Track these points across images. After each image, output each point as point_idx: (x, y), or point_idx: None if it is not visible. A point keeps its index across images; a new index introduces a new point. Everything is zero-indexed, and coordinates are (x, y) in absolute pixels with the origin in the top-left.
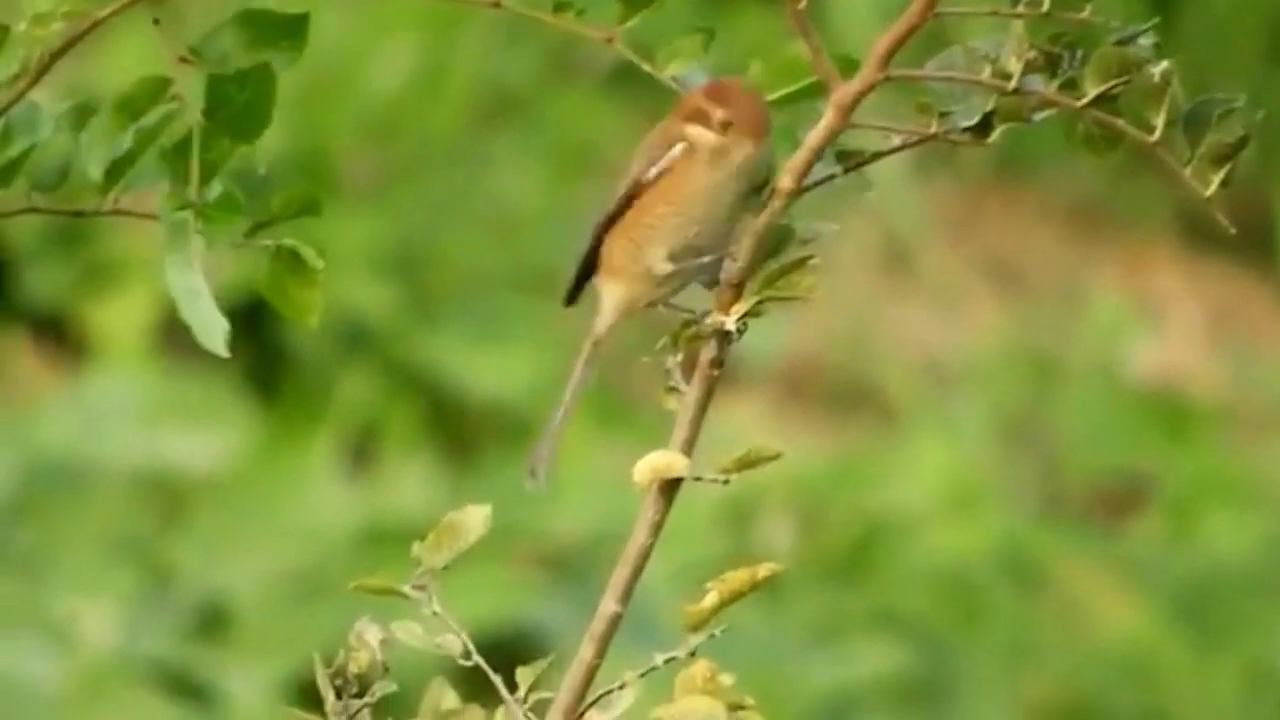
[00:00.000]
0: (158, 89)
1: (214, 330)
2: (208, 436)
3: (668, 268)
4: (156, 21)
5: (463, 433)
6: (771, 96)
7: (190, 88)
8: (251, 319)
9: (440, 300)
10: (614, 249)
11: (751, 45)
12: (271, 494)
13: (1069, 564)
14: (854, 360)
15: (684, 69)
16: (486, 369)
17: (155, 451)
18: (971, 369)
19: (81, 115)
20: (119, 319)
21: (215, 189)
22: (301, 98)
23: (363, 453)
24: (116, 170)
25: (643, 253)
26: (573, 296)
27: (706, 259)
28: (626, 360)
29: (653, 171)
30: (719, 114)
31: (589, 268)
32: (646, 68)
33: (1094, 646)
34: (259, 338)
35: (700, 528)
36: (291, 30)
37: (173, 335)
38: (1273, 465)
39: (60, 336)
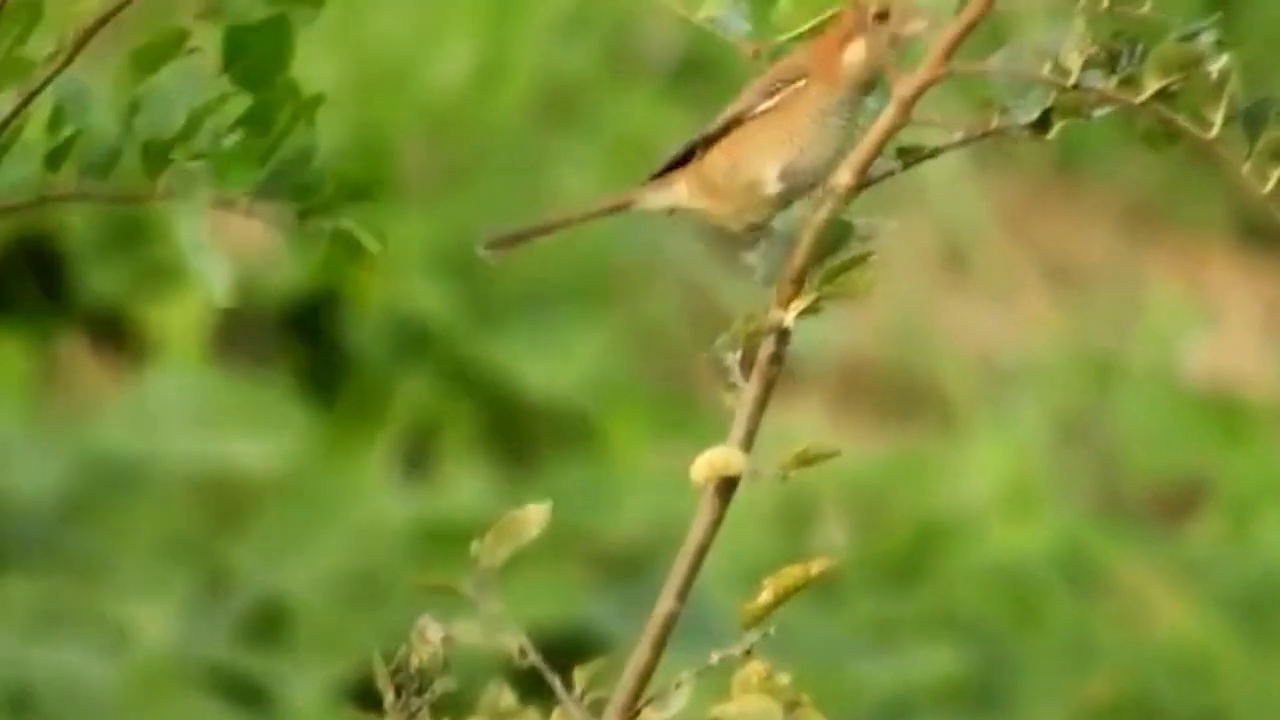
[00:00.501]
0: (176, 39)
1: (218, 279)
2: (265, 439)
3: (776, 186)
4: None
5: (521, 435)
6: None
7: (209, 41)
8: (309, 321)
9: (499, 301)
10: (714, 164)
11: None
12: (329, 496)
13: (1126, 565)
14: (910, 358)
15: (718, 8)
16: (545, 370)
17: (213, 453)
18: (1028, 368)
19: (134, 102)
20: (177, 320)
21: (230, 138)
22: (360, 93)
23: (421, 455)
24: (162, 153)
25: (741, 170)
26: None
27: (809, 183)
28: (684, 359)
29: (764, 105)
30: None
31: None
32: (681, 11)
33: (1151, 648)
34: (317, 339)
35: (757, 528)
36: None
37: (231, 337)
38: None
39: (118, 337)
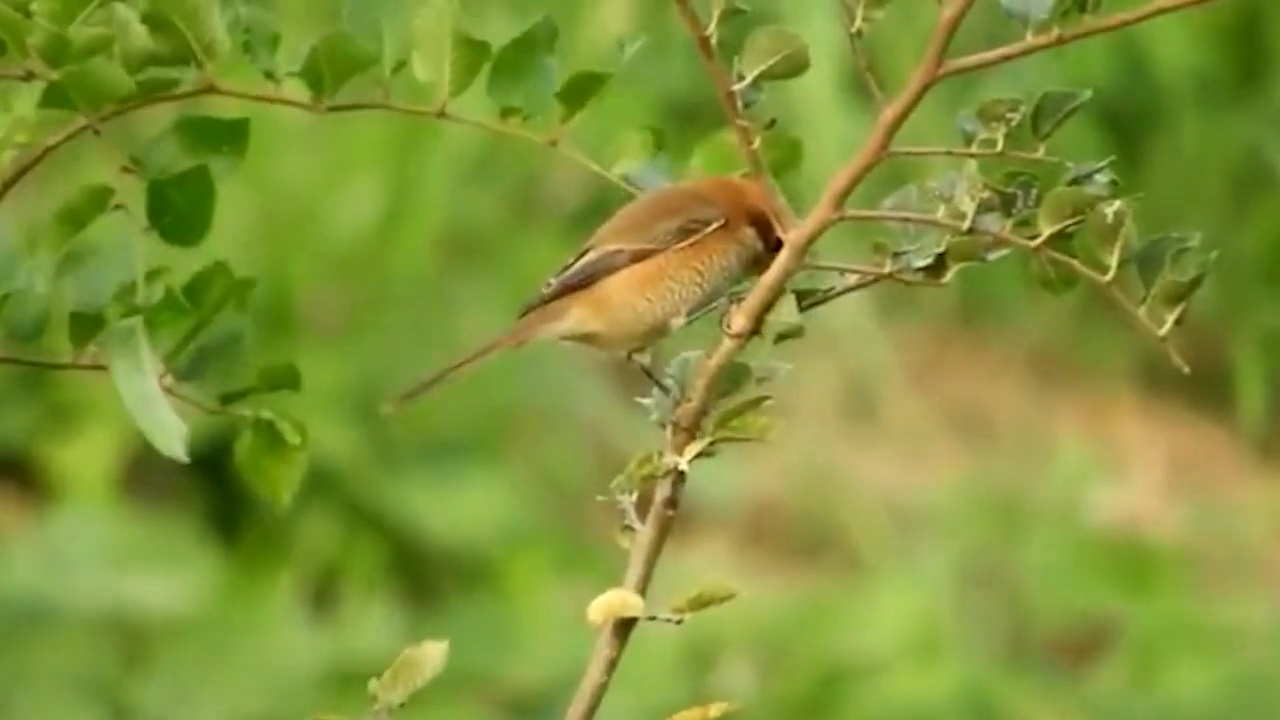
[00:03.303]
0: (100, 198)
1: (171, 434)
2: (171, 578)
3: (662, 323)
4: (97, 132)
5: (424, 576)
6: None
7: (134, 198)
8: (215, 460)
9: (402, 444)
10: (620, 297)
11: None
12: (234, 636)
13: (1032, 709)
14: (817, 503)
15: (633, 167)
16: (447, 512)
17: (119, 593)
18: (935, 514)
19: (66, 263)
20: (82, 461)
21: (158, 292)
22: (264, 237)
23: (325, 595)
24: (91, 325)
25: (653, 309)
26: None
27: (685, 321)
28: (585, 503)
29: (682, 243)
30: (711, 215)
31: (558, 296)
32: (595, 167)
33: None
34: (222, 479)
35: (661, 670)
36: (231, 134)
37: (136, 478)
38: (1234, 611)
39: (24, 478)
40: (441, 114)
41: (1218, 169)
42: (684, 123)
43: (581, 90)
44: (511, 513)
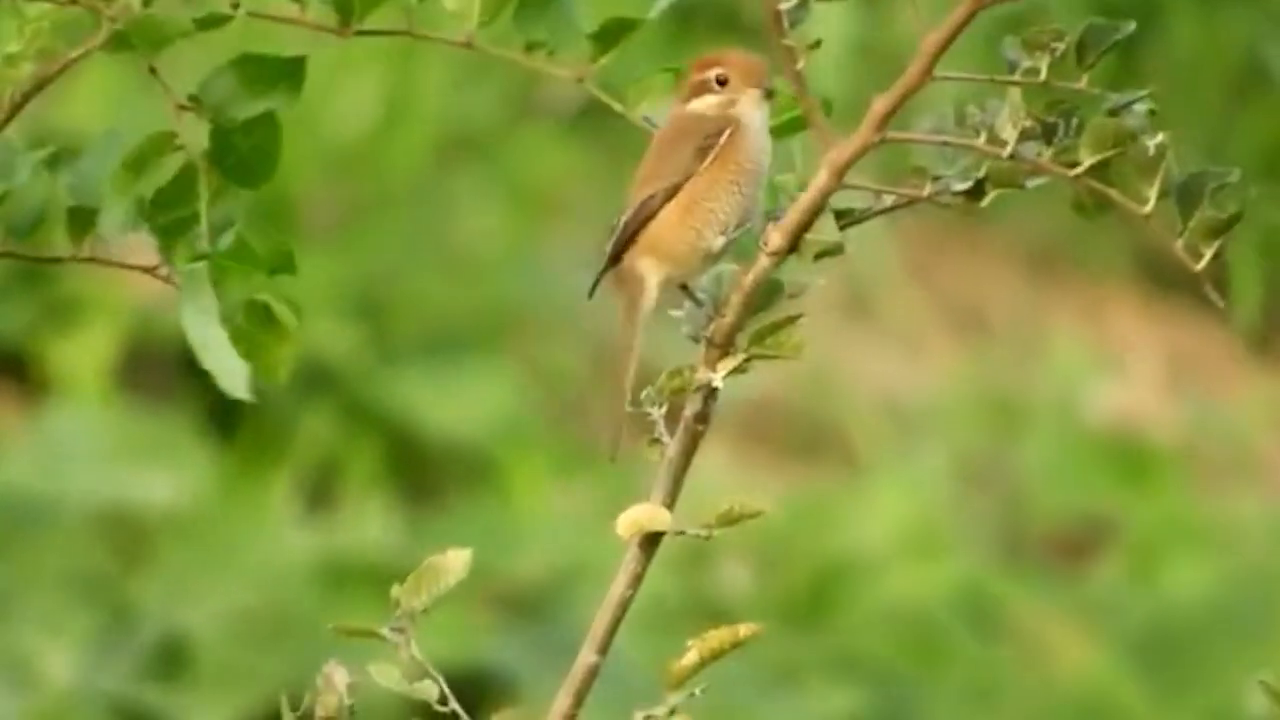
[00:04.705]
0: (164, 142)
1: (236, 376)
2: (168, 475)
3: (721, 242)
4: (153, 70)
5: (423, 473)
6: None
7: (189, 134)
8: None
9: (401, 341)
10: (670, 236)
11: None
12: (231, 533)
13: (1029, 607)
14: (814, 402)
15: (655, 108)
16: (447, 409)
17: (116, 490)
18: (932, 413)
19: (58, 160)
20: (80, 358)
21: (228, 238)
22: None
23: (323, 492)
24: (88, 219)
25: (703, 236)
26: (593, 291)
27: (748, 224)
28: (584, 403)
29: (704, 162)
30: (713, 72)
31: (618, 257)
32: (618, 107)
33: (1054, 689)
34: None
35: (658, 570)
36: (289, 73)
37: (134, 374)
38: (1231, 509)
39: (21, 374)
40: (468, 44)
41: (1214, 68)
42: (683, 26)
43: (613, 33)
44: (509, 409)
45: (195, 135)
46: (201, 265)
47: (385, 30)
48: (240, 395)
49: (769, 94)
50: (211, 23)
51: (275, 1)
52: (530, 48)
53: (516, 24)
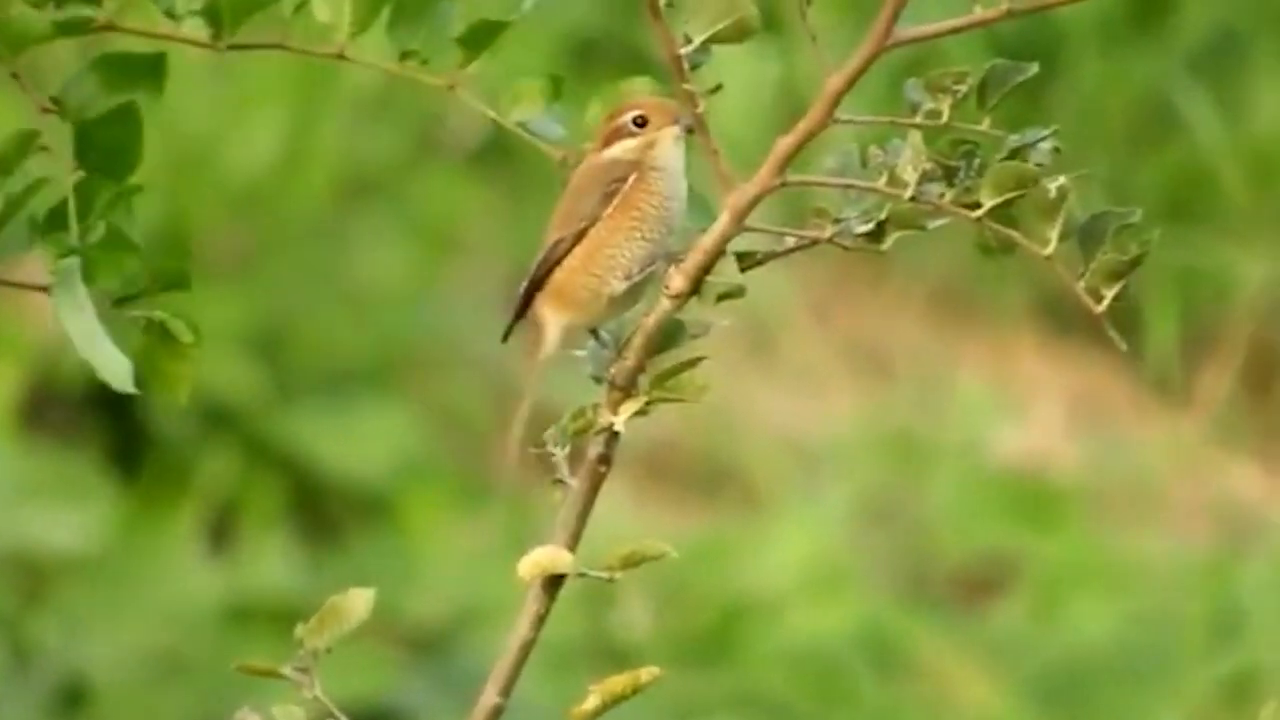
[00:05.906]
0: (26, 142)
1: (118, 367)
2: (70, 514)
3: (624, 287)
4: (15, 75)
5: (323, 511)
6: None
7: (57, 137)
8: (114, 397)
9: (302, 379)
10: (573, 282)
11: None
12: (133, 572)
13: (931, 646)
14: (717, 443)
15: (531, 114)
16: (347, 448)
17: (18, 529)
18: (834, 451)
19: None
20: None
21: (98, 230)
22: (163, 175)
23: (224, 531)
24: None
25: (606, 282)
26: (508, 335)
27: (651, 268)
28: (482, 440)
29: (607, 208)
30: (630, 115)
31: (525, 306)
32: (490, 114)
33: None
34: (120, 416)
35: (559, 609)
36: (150, 69)
37: (36, 413)
38: (1134, 549)
39: None
40: (341, 56)
41: (1118, 107)
42: (583, 64)
43: (481, 36)
44: (409, 448)
45: (60, 136)
46: (74, 260)
47: (258, 44)
48: (124, 389)
49: (688, 129)
50: (72, 27)
51: (149, 16)
52: (404, 57)
53: (389, 34)
